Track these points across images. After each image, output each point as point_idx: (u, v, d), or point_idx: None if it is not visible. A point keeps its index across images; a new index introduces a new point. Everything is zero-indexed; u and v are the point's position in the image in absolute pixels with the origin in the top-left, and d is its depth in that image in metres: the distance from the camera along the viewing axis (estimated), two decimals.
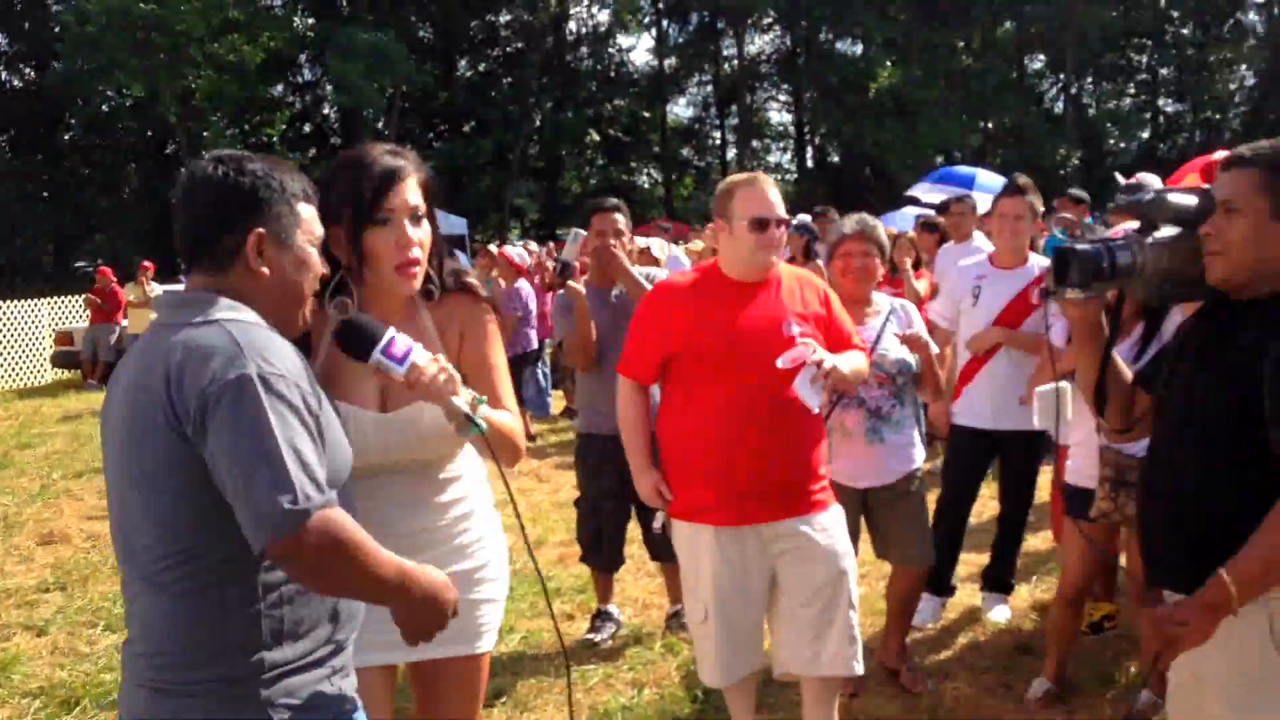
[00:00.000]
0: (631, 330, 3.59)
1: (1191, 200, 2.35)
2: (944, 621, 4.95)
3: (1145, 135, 37.20)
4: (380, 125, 32.60)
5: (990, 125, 35.60)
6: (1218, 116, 36.48)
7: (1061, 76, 37.34)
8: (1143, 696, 4.00)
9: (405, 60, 30.98)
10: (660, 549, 4.77)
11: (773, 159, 41.39)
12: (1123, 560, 4.51)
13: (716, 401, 3.35)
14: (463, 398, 2.19)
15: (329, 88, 34.11)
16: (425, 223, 2.41)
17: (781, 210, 3.42)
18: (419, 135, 37.41)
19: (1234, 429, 2.23)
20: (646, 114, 38.91)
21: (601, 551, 4.89)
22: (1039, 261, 4.82)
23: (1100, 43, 35.17)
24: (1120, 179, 4.87)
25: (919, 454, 4.27)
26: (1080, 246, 2.35)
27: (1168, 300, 2.42)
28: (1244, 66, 36.30)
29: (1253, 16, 36.74)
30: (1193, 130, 36.16)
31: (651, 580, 5.60)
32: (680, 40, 39.42)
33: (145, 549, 1.79)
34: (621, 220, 4.73)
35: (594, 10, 40.54)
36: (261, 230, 1.89)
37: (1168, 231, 2.37)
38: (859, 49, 36.71)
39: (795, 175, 39.10)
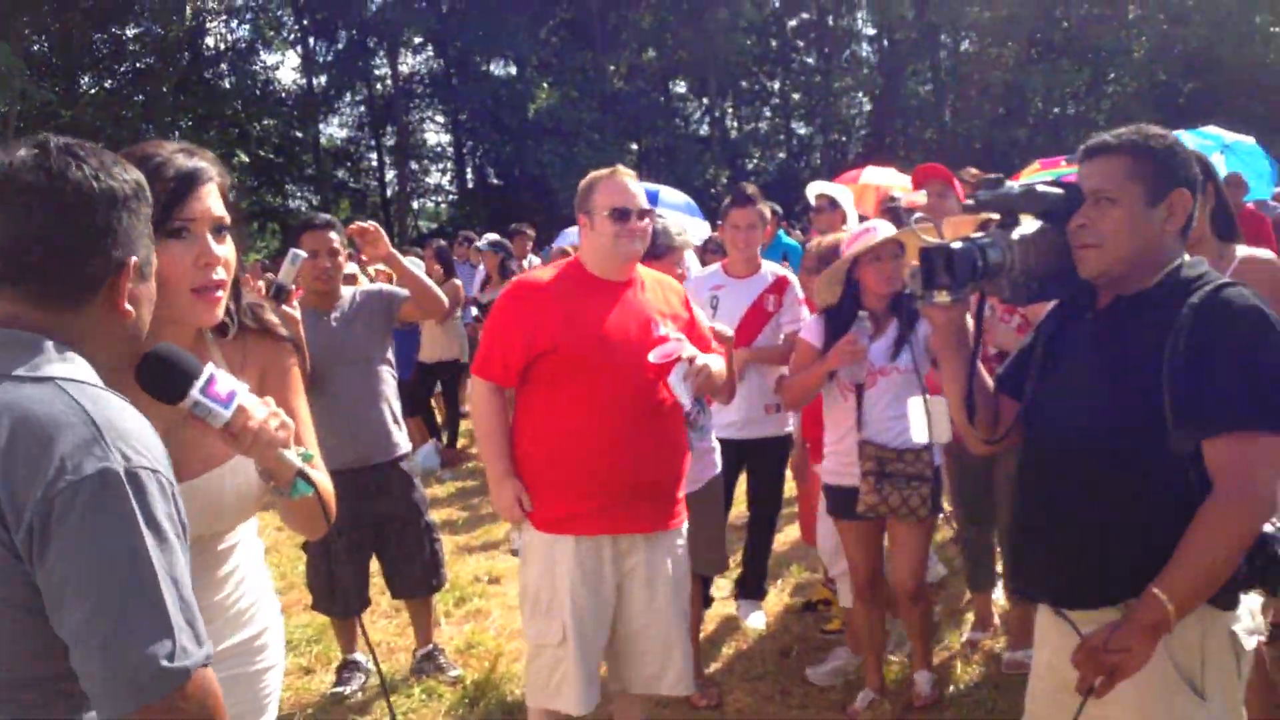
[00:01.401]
0: (490, 330, 3.40)
1: (1059, 192, 2.23)
2: (704, 633, 4.92)
3: (782, 155, 39.94)
4: None
5: (641, 146, 36.90)
6: (843, 139, 39.77)
7: (705, 100, 39.43)
8: None
9: (22, 76, 27.96)
10: (404, 585, 4.44)
11: (432, 180, 40.80)
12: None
13: (587, 404, 3.21)
14: (294, 451, 1.82)
15: None
16: (229, 239, 1.95)
17: (643, 202, 3.33)
18: None
19: (1128, 432, 2.12)
20: (299, 134, 37.19)
21: (336, 596, 4.45)
22: (772, 268, 4.94)
23: (738, 69, 37.41)
24: (973, 173, 5.05)
25: (719, 459, 4.30)
26: (954, 245, 2.19)
27: (1034, 299, 2.31)
28: (861, 93, 39.75)
29: (866, 48, 40.48)
30: (823, 150, 39.14)
31: (390, 622, 5.20)
32: (329, 59, 38.01)
33: None
34: (336, 238, 4.38)
35: (233, 26, 38.39)
36: (135, 259, 1.43)
37: (1031, 226, 2.24)
38: (513, 70, 36.96)
39: (456, 196, 38.76)
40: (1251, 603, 2.24)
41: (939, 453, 4.02)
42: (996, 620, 4.70)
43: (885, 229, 4.00)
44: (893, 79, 38.31)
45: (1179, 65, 35.73)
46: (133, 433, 1.34)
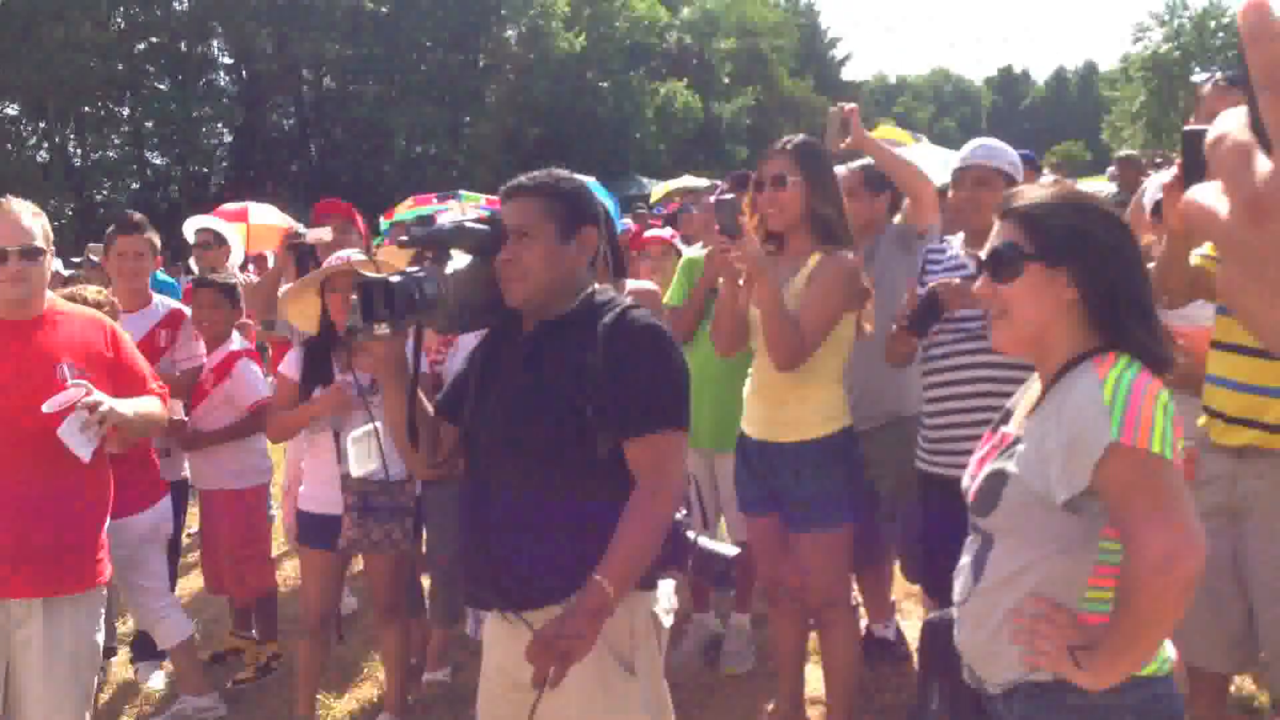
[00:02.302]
0: None
1: (486, 229, 2.38)
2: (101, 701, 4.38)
3: (137, 185, 37.13)
4: None
5: None
6: (204, 169, 38.02)
7: (43, 125, 35.50)
8: None
9: None
10: None
11: None
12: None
13: None
14: None
15: None
16: None
17: (37, 239, 3.02)
18: None
19: (559, 441, 2.30)
20: None
21: None
22: (164, 301, 4.63)
23: (80, 92, 34.18)
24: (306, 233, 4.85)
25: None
26: (392, 279, 2.23)
27: (467, 328, 2.41)
28: (221, 124, 38.24)
29: (224, 77, 39.07)
30: (183, 181, 37.14)
31: None
32: None
33: None
34: None
35: None
36: None
37: (461, 260, 2.36)
38: None
39: None
40: (666, 586, 2.55)
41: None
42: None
43: (355, 256, 3.89)
44: (255, 111, 37.47)
45: (528, 113, 39.13)
46: None
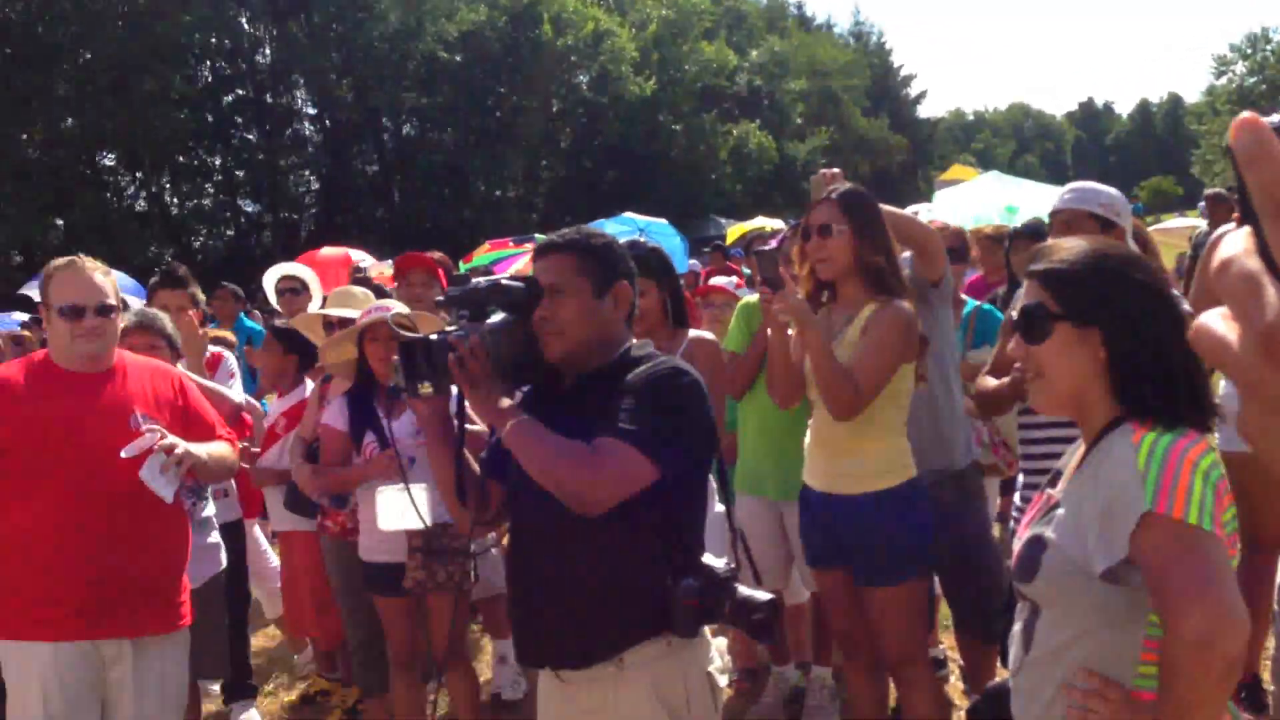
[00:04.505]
0: None
1: (521, 286, 2.41)
2: None
3: (231, 233, 38.38)
4: None
5: (66, 221, 33.69)
6: (294, 216, 39.15)
7: (139, 175, 36.89)
8: None
9: None
10: None
11: None
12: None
13: (56, 503, 3.03)
14: None
15: None
16: None
17: (109, 296, 3.18)
18: None
19: None
20: None
21: None
22: None
23: (174, 143, 35.45)
24: (365, 264, 4.98)
25: (223, 555, 4.28)
26: (431, 338, 2.29)
27: (507, 385, 2.42)
28: (308, 172, 39.45)
29: (309, 127, 40.27)
30: (275, 228, 38.23)
31: None
32: None
33: None
34: None
35: None
36: None
37: (498, 318, 2.39)
38: None
39: None
40: (719, 644, 2.56)
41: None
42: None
43: (398, 306, 4.03)
44: (339, 159, 38.51)
45: (603, 155, 39.68)
46: None
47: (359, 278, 4.74)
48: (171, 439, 3.12)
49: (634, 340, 2.53)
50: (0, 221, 29.63)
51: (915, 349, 3.42)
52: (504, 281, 2.44)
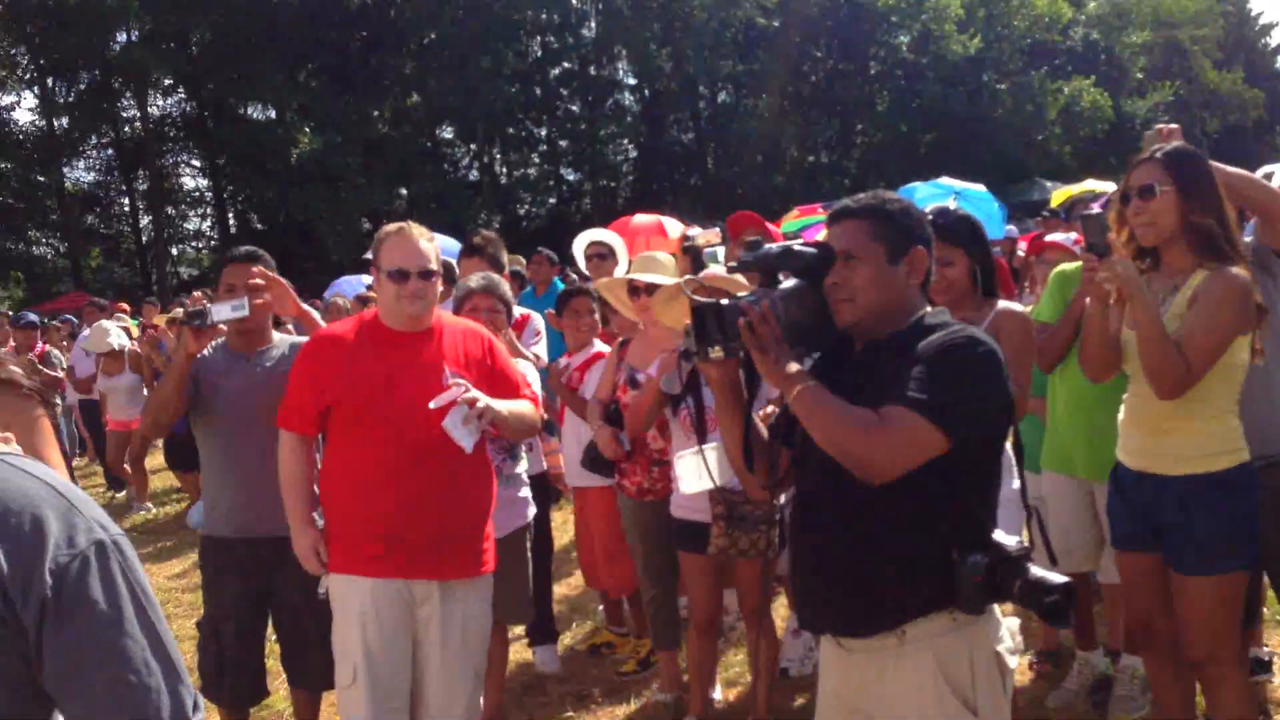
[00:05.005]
0: (290, 381, 3.45)
1: (812, 252, 2.40)
2: None
3: (553, 200, 40.44)
4: None
5: (410, 191, 36.58)
6: (612, 184, 40.66)
7: (473, 146, 39.51)
8: None
9: None
10: (300, 674, 4.03)
11: (191, 226, 39.06)
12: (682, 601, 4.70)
13: (375, 451, 3.29)
14: None
15: None
16: None
17: (431, 262, 3.39)
18: None
19: None
20: (40, 178, 34.69)
21: (225, 684, 3.91)
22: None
23: (504, 115, 37.68)
24: (694, 233, 5.13)
25: (531, 509, 4.39)
26: (723, 303, 2.31)
27: (796, 350, 2.40)
28: (627, 140, 40.78)
29: (628, 97, 41.62)
30: (594, 196, 39.87)
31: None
32: (70, 99, 35.80)
33: None
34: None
35: None
36: None
37: (789, 284, 2.40)
38: (272, 114, 35.96)
39: (217, 242, 37.19)
40: (1010, 624, 2.46)
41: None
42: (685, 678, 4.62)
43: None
44: (655, 127, 39.52)
45: (920, 118, 38.49)
46: (87, 501, 1.39)
47: (688, 246, 4.79)
48: (475, 393, 3.28)
49: (929, 308, 2.46)
50: (353, 191, 32.52)
51: (1251, 320, 3.14)
52: (796, 247, 2.43)
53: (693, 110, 41.35)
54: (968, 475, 2.33)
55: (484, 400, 3.28)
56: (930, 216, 3.09)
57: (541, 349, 5.22)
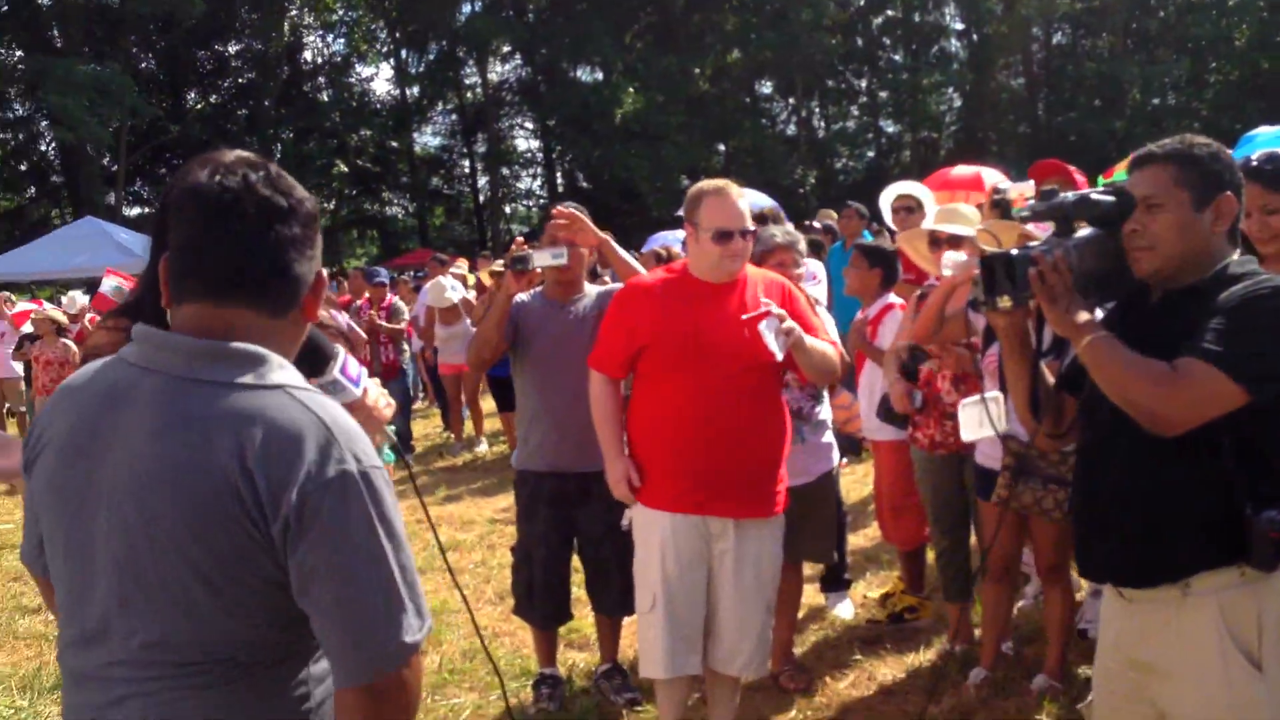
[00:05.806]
0: (603, 326, 3.73)
1: (1111, 199, 2.34)
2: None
3: (871, 154, 39.73)
4: (107, 161, 30.52)
5: (728, 147, 37.06)
6: (934, 135, 39.38)
7: (791, 101, 39.41)
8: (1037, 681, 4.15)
9: (132, 92, 29.22)
10: (601, 601, 4.38)
11: (523, 185, 41.60)
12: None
13: (682, 394, 3.50)
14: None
15: (44, 123, 31.78)
16: None
17: (748, 221, 3.55)
18: (148, 171, 35.44)
19: None
20: (394, 144, 38.21)
21: (534, 606, 4.35)
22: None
23: (824, 68, 37.32)
24: (1005, 186, 5.06)
25: (835, 454, 4.51)
26: (1013, 253, 2.31)
27: (1089, 300, 2.37)
28: (951, 89, 39.33)
29: (955, 43, 40.02)
30: (913, 148, 38.82)
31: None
32: (421, 69, 38.96)
33: (168, 646, 1.47)
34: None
35: (329, 40, 39.61)
36: (323, 269, 1.61)
37: (1085, 232, 2.36)
38: (599, 76, 37.43)
39: (546, 200, 39.39)
40: None
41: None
42: (977, 632, 4.57)
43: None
44: (983, 74, 37.81)
45: None
46: (356, 434, 1.49)
47: (997, 199, 4.67)
48: (781, 311, 3.48)
49: (1234, 257, 2.36)
50: (673, 148, 33.36)
51: None
52: (1093, 195, 2.37)
53: (1024, 54, 39.20)
54: (1267, 429, 2.24)
55: (790, 321, 3.45)
56: (1255, 162, 2.93)
57: (820, 290, 5.35)
